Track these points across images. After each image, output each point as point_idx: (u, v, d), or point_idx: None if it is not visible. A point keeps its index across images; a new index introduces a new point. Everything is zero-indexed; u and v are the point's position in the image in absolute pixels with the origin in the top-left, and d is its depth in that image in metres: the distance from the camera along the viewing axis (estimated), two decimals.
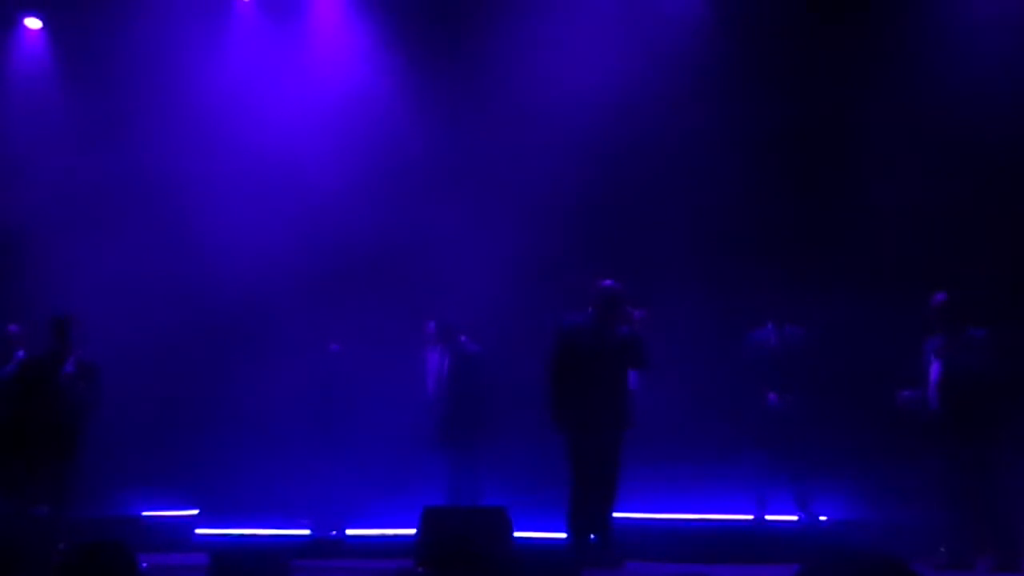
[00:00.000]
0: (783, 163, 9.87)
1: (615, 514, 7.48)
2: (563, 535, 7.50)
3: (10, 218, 10.24)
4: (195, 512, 9.67)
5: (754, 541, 8.03)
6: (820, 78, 9.90)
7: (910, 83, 9.60)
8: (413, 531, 6.52)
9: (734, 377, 8.78)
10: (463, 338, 9.18)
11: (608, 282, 7.58)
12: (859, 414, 8.83)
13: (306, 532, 9.17)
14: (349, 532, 9.22)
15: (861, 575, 2.05)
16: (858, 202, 9.50)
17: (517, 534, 6.86)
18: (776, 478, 8.54)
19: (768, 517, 8.59)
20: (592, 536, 7.37)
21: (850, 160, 9.73)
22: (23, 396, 8.48)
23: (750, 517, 8.62)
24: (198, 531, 9.31)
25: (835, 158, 9.84)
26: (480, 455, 8.94)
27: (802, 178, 9.90)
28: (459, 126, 10.57)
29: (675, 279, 9.49)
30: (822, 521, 8.43)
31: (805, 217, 9.74)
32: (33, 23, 11.41)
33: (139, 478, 9.73)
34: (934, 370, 7.60)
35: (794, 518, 8.51)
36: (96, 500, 9.04)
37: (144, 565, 5.10)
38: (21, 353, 9.37)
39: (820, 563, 2.14)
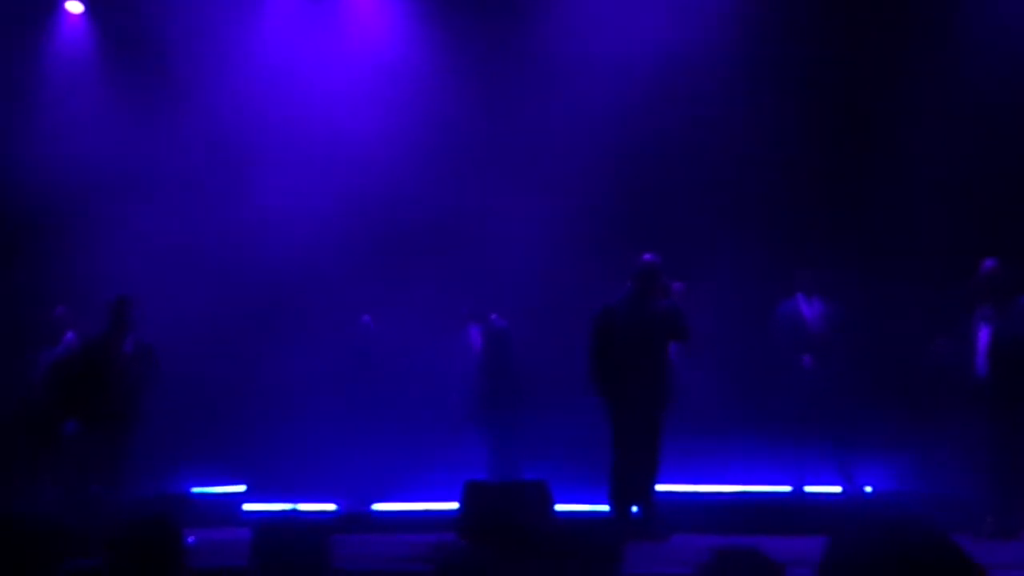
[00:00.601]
0: (820, 138, 9.79)
1: (658, 487, 7.51)
2: (605, 508, 7.54)
3: (56, 201, 10.39)
4: (243, 488, 9.81)
5: (796, 512, 8.01)
6: (862, 48, 9.78)
7: (951, 51, 9.45)
8: (449, 505, 6.58)
9: (769, 348, 8.76)
10: (493, 316, 9.34)
11: (648, 256, 7.60)
12: (900, 384, 8.78)
13: (334, 507, 9.29)
14: (383, 506, 9.33)
15: (896, 546, 2.03)
16: (896, 173, 9.40)
17: (559, 507, 6.91)
18: (818, 448, 8.51)
19: (809, 488, 8.57)
20: (635, 509, 7.41)
21: (887, 132, 9.61)
22: (82, 377, 8.61)
23: (789, 488, 8.61)
24: (245, 507, 9.45)
25: (871, 131, 9.73)
26: (516, 429, 9.03)
27: (839, 152, 9.81)
28: (496, 98, 10.56)
29: (711, 251, 9.46)
30: (866, 492, 8.40)
31: (842, 188, 9.66)
32: (75, 7, 11.51)
33: (189, 455, 9.87)
34: (982, 338, 7.53)
35: (837, 489, 8.49)
36: (148, 478, 9.18)
37: (191, 540, 5.18)
38: (71, 335, 9.53)
39: (853, 534, 2.13)
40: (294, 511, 7.84)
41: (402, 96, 10.79)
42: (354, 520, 8.73)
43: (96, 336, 8.65)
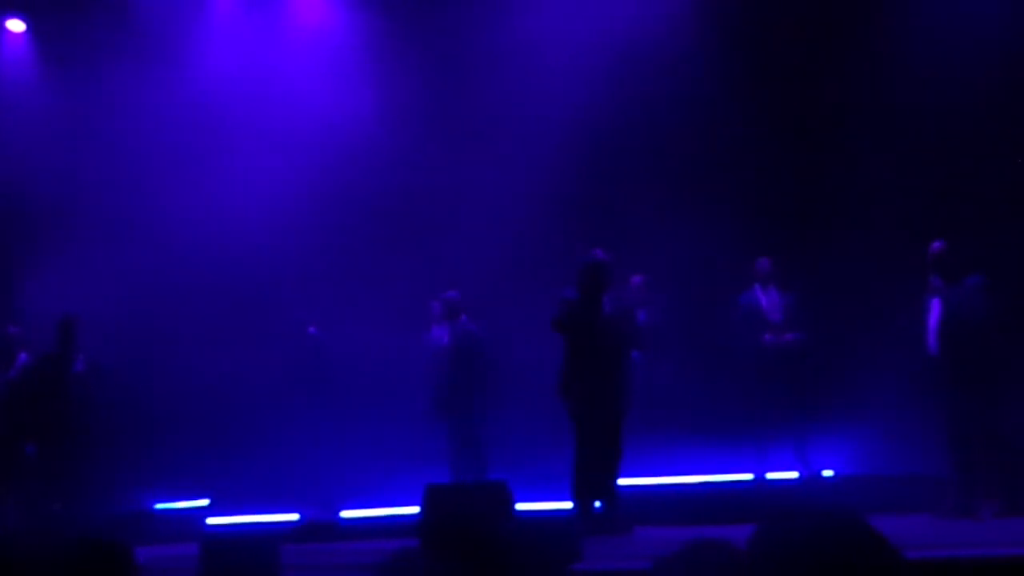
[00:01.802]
0: (780, 122, 9.83)
1: (620, 481, 7.51)
2: (568, 505, 7.54)
3: (2, 221, 10.29)
4: (206, 502, 9.75)
5: (757, 500, 8.04)
6: (819, 30, 9.80)
7: (910, 31, 9.50)
8: (415, 510, 6.56)
9: (728, 337, 8.79)
10: (464, 317, 9.26)
11: (596, 253, 7.51)
12: (859, 366, 8.84)
13: (296, 517, 9.25)
14: (351, 513, 9.30)
15: (816, 533, 2.04)
16: (851, 156, 9.45)
17: (522, 506, 6.88)
18: (777, 431, 8.54)
19: (770, 475, 8.62)
20: (598, 504, 7.41)
21: (841, 114, 9.66)
22: (35, 397, 8.58)
23: (751, 476, 8.65)
24: (209, 521, 9.39)
25: (826, 113, 9.77)
26: (481, 430, 9.01)
27: (795, 136, 9.85)
28: (453, 83, 10.52)
29: (669, 241, 9.47)
30: (824, 476, 8.45)
31: (795, 172, 9.70)
32: (16, 25, 11.38)
33: (152, 471, 9.80)
34: (932, 317, 7.60)
35: (795, 475, 8.54)
36: (110, 495, 9.11)
37: (141, 560, 5.11)
38: (24, 355, 9.44)
39: (775, 523, 2.14)
40: (243, 523, 7.82)
41: (358, 82, 10.74)
42: (319, 529, 8.68)
43: (47, 355, 8.60)
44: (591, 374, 7.34)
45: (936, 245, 7.64)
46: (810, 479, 8.40)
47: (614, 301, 7.55)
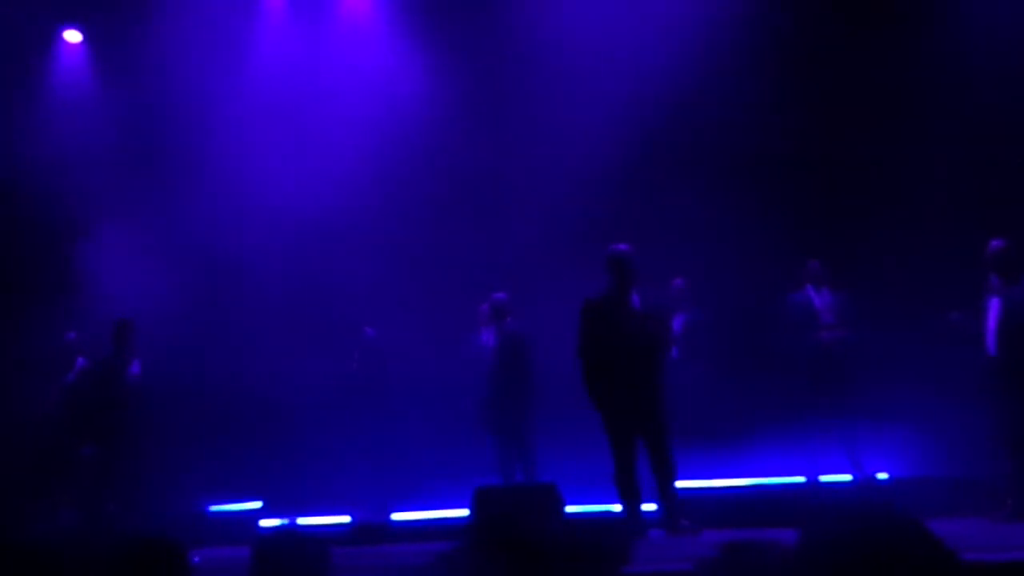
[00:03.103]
0: (826, 123, 9.73)
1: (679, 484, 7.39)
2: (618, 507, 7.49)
3: (60, 229, 10.47)
4: (259, 504, 9.84)
5: (809, 503, 7.95)
6: (866, 29, 9.68)
7: (962, 19, 9.36)
8: (465, 512, 6.59)
9: (778, 339, 8.69)
10: (510, 319, 9.26)
11: (619, 247, 7.34)
12: (917, 367, 8.71)
13: (347, 519, 9.30)
14: (402, 516, 9.33)
15: (871, 538, 2.01)
16: (904, 154, 9.32)
17: (573, 508, 6.86)
18: (830, 433, 8.42)
19: (823, 478, 8.51)
20: (655, 507, 7.34)
21: (894, 114, 9.52)
22: (91, 400, 8.76)
23: (803, 479, 8.56)
24: (262, 523, 9.48)
25: (878, 114, 9.64)
26: (529, 433, 9.00)
27: (843, 136, 9.74)
28: (486, 90, 10.53)
29: (715, 242, 9.41)
30: (878, 479, 8.33)
31: (846, 172, 9.58)
32: (73, 36, 11.59)
33: (207, 474, 9.90)
34: (992, 317, 7.48)
35: (848, 477, 8.43)
36: (165, 497, 9.23)
37: (196, 560, 5.18)
38: (81, 360, 9.63)
39: (824, 523, 2.11)
40: (294, 524, 7.88)
41: (392, 95, 10.79)
42: (370, 531, 8.73)
43: (103, 359, 8.76)
44: (617, 373, 7.14)
45: (996, 243, 7.52)
46: (864, 481, 8.28)
47: (648, 300, 7.39)
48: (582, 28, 10.14)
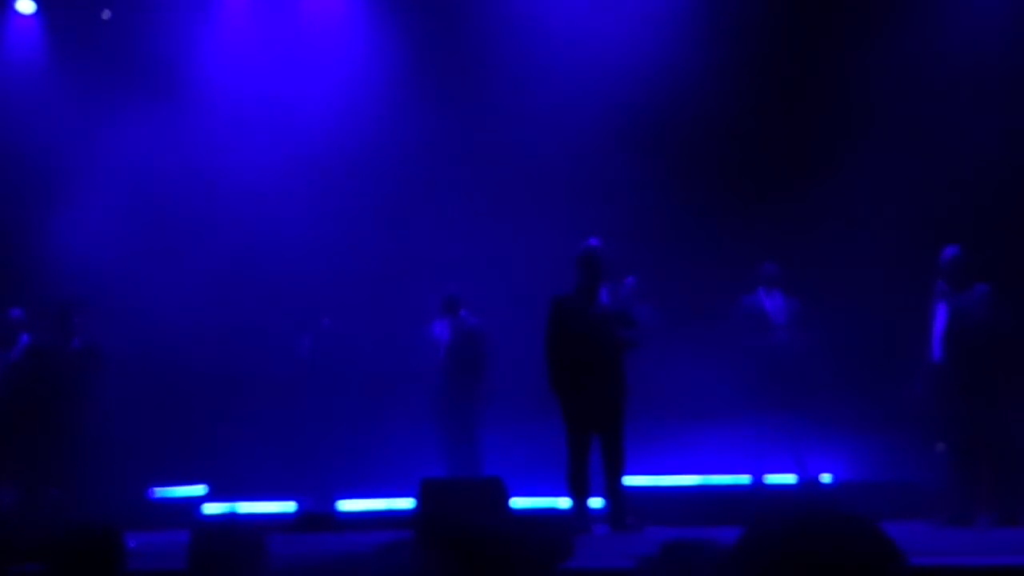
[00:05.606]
0: (783, 125, 9.79)
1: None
2: (567, 502, 7.49)
3: (10, 201, 10.29)
4: (204, 490, 9.74)
5: (754, 503, 8.01)
6: (830, 30, 9.74)
7: (921, 30, 9.44)
8: (411, 503, 6.57)
9: (727, 339, 8.74)
10: (464, 312, 9.26)
11: (593, 241, 7.38)
12: (862, 371, 8.80)
13: (293, 506, 9.24)
14: (347, 505, 9.28)
15: (816, 537, 1.98)
16: (857, 161, 9.38)
17: (521, 502, 6.86)
18: (776, 434, 8.48)
19: (768, 478, 8.57)
20: (601, 503, 7.35)
21: (848, 116, 9.60)
22: (32, 380, 8.62)
23: (748, 479, 8.61)
24: (205, 508, 9.38)
25: (837, 118, 9.71)
26: (478, 426, 8.99)
27: (800, 135, 9.81)
28: (453, 85, 10.48)
29: (667, 242, 9.44)
30: (822, 481, 8.40)
31: (800, 175, 9.63)
32: (26, 6, 11.28)
33: (150, 457, 9.77)
34: (938, 323, 7.56)
35: (793, 478, 8.49)
36: (107, 481, 9.10)
37: (133, 544, 5.12)
38: (25, 337, 9.45)
39: (763, 523, 2.08)
40: (234, 512, 7.81)
41: (368, 72, 10.69)
42: (314, 519, 8.67)
43: (42, 338, 8.63)
44: (584, 368, 7.18)
45: (950, 250, 7.58)
46: (808, 483, 8.35)
47: (613, 295, 7.44)
48: (542, 24, 10.13)
